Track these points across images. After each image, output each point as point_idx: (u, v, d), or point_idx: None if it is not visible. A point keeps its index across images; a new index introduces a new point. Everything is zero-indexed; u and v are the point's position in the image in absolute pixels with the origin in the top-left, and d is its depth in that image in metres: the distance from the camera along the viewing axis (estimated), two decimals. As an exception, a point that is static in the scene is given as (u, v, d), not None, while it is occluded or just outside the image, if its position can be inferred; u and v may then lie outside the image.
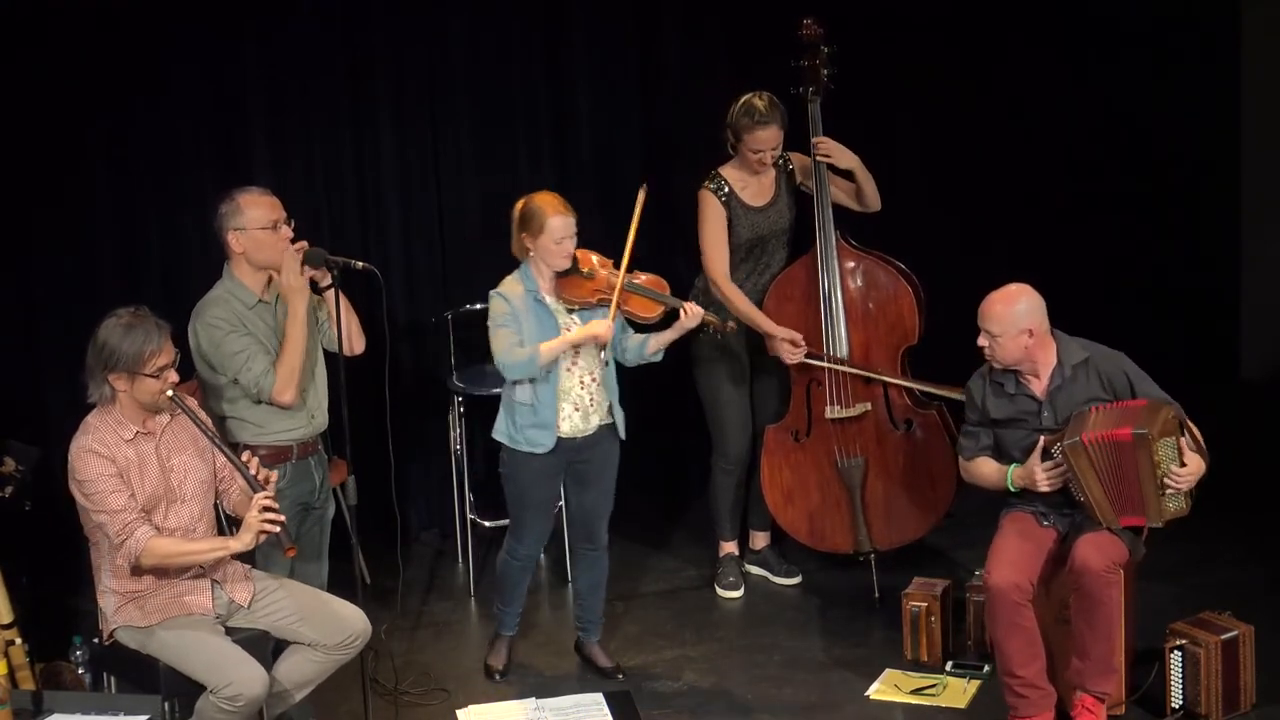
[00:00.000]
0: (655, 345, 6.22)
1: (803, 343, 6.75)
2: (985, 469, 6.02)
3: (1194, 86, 8.40)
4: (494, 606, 6.65)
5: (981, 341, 5.87)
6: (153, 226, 7.31)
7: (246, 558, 5.62)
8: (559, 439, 6.20)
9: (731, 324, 6.32)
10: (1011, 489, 5.96)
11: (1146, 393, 5.86)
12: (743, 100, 6.80)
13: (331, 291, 5.88)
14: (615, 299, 6.08)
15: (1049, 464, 5.80)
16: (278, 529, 5.29)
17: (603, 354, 6.15)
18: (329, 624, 5.53)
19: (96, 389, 5.33)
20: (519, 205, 6.16)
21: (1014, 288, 5.86)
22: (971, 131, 8.16)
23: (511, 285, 6.18)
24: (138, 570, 5.38)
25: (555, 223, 6.06)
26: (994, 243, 8.19)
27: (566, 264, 6.13)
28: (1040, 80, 8.22)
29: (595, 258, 6.21)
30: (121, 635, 5.45)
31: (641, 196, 6.14)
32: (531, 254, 6.14)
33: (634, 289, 6.15)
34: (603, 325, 6.06)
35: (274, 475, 5.48)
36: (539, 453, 6.18)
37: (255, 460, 5.47)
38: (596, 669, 6.54)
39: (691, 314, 6.13)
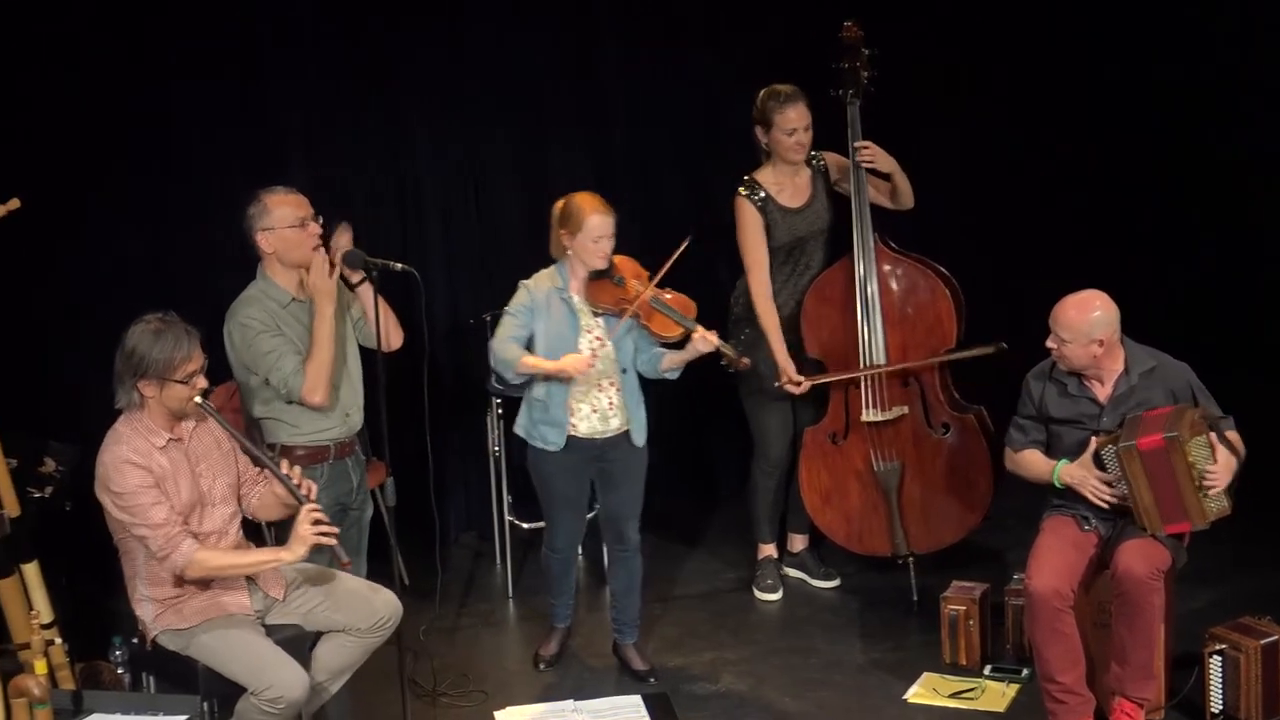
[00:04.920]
0: (668, 363, 6.23)
1: (802, 380, 6.78)
2: (1032, 460, 5.99)
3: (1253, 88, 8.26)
4: (545, 600, 6.69)
5: (1051, 344, 5.84)
6: (187, 228, 7.32)
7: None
8: (577, 439, 6.23)
9: (747, 360, 6.32)
10: (1057, 484, 5.92)
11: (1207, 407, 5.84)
12: (764, 91, 6.83)
13: (366, 287, 5.90)
14: (631, 310, 6.09)
15: (1105, 476, 5.79)
16: (334, 541, 5.28)
17: (619, 361, 6.17)
18: (360, 607, 5.52)
19: (125, 395, 5.29)
20: (559, 203, 6.18)
21: (1090, 295, 5.83)
22: (1015, 131, 8.16)
23: (540, 279, 6.21)
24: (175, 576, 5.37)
25: (594, 221, 6.08)
26: (1034, 245, 8.15)
27: (603, 264, 6.13)
28: (1092, 80, 8.17)
29: (632, 267, 6.22)
30: (163, 639, 5.44)
31: (683, 247, 6.12)
32: (569, 252, 6.15)
33: (658, 306, 6.14)
34: (578, 363, 6.06)
35: (315, 486, 5.45)
36: (550, 450, 6.20)
37: (296, 470, 5.43)
38: (632, 671, 6.55)
39: (704, 341, 6.11)
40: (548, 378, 6.16)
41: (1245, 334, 7.90)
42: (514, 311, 6.16)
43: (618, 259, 6.18)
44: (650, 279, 6.14)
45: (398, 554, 6.14)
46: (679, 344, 6.18)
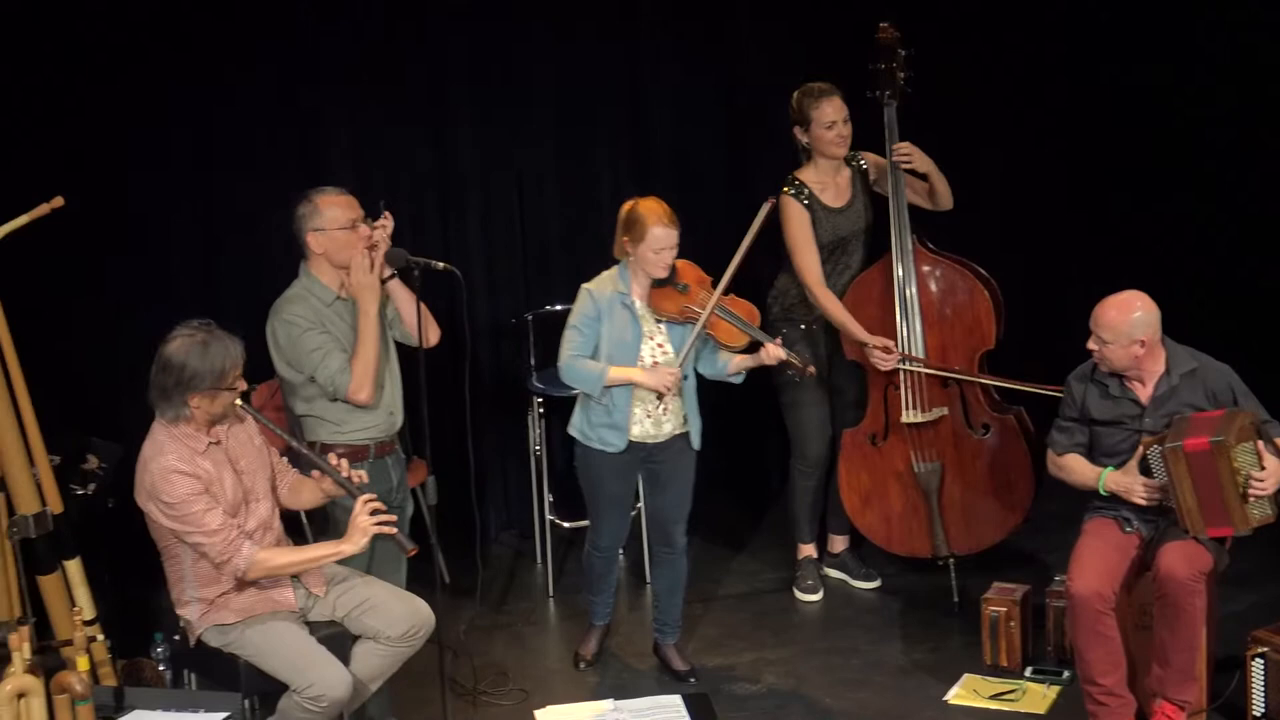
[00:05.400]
0: (734, 366, 6.22)
1: (895, 349, 6.74)
2: (1076, 465, 5.97)
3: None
4: (584, 598, 6.67)
5: (1092, 345, 5.83)
6: (231, 225, 7.33)
7: (297, 537, 5.70)
8: (632, 442, 6.20)
9: (812, 369, 6.31)
10: (1102, 492, 5.90)
11: (1249, 409, 5.81)
12: (797, 91, 6.83)
13: (396, 282, 5.88)
14: (701, 321, 6.07)
15: (1151, 481, 5.77)
16: (393, 530, 5.28)
17: (680, 366, 6.14)
18: (393, 614, 5.51)
19: (173, 410, 5.27)
20: (626, 207, 6.15)
21: (1130, 296, 5.81)
22: (1054, 130, 8.08)
23: (604, 283, 6.17)
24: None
25: (657, 233, 6.04)
26: (1072, 246, 8.12)
27: (663, 274, 6.11)
28: (1137, 77, 8.05)
29: (695, 274, 6.19)
30: (207, 636, 5.44)
31: (765, 210, 6.15)
32: (630, 258, 6.12)
33: (724, 315, 6.13)
34: (668, 379, 6.05)
35: (365, 475, 5.47)
36: (609, 451, 6.18)
37: (344, 462, 5.45)
38: (672, 671, 6.53)
39: (771, 354, 6.11)
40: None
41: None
42: (579, 324, 6.12)
43: (680, 264, 6.16)
44: (714, 287, 6.12)
45: (439, 552, 6.09)
46: (745, 350, 6.18)
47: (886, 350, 6.72)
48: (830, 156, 6.85)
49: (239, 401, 5.33)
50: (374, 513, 5.27)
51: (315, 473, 5.53)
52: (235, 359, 5.24)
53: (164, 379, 5.22)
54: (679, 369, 6.07)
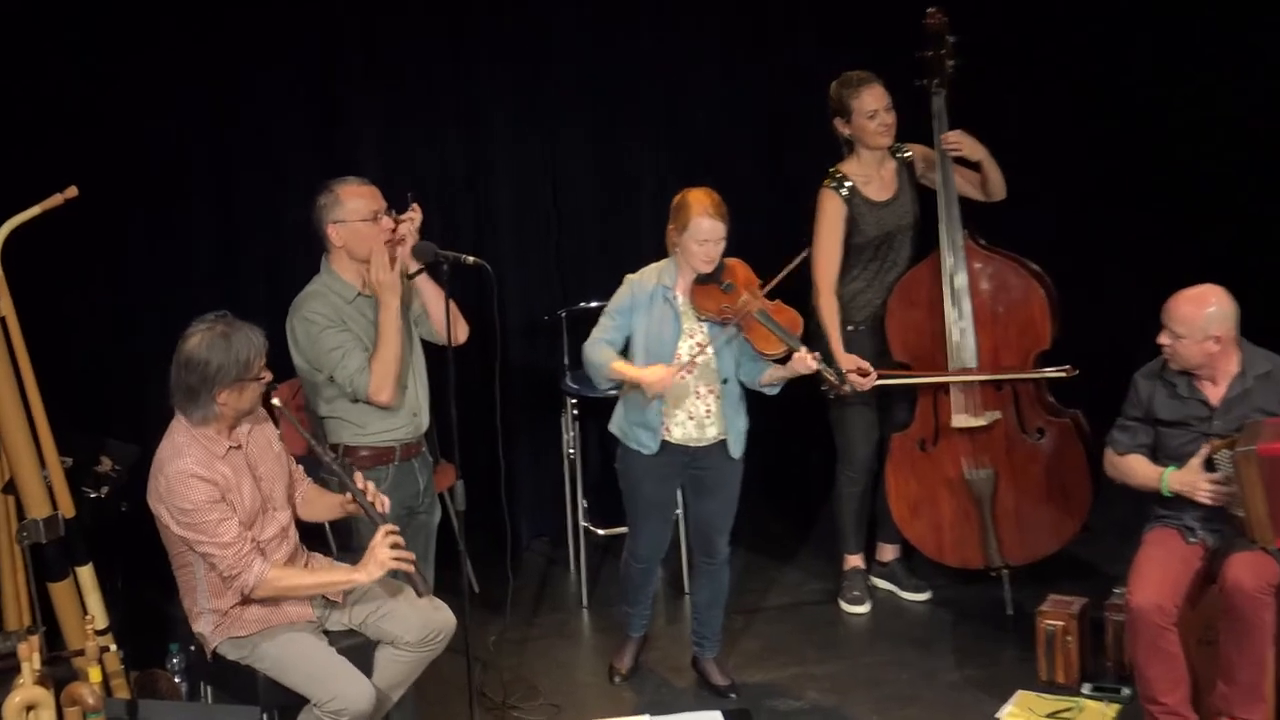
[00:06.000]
0: (768, 377, 6.13)
1: (871, 371, 6.61)
2: (1138, 466, 5.90)
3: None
4: (620, 608, 6.63)
5: (1163, 340, 5.76)
6: (253, 220, 7.31)
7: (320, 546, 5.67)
8: (671, 444, 6.14)
9: (848, 387, 6.20)
10: (1165, 493, 5.81)
11: None
12: (835, 81, 6.79)
13: (424, 278, 5.85)
14: (733, 320, 5.99)
15: (1216, 476, 5.68)
16: (410, 568, 5.26)
17: (719, 370, 6.07)
18: (412, 620, 5.47)
19: (201, 410, 5.20)
20: (678, 196, 6.08)
21: (1207, 290, 5.73)
22: (1115, 121, 7.99)
23: (648, 274, 6.11)
24: None
25: (702, 224, 5.94)
26: (1134, 243, 8.01)
27: (706, 268, 6.01)
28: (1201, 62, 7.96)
29: (745, 274, 6.10)
30: (223, 649, 5.40)
31: (800, 258, 6.09)
32: (677, 249, 6.04)
33: (762, 319, 6.02)
34: (658, 381, 5.94)
35: (388, 501, 5.46)
36: (645, 453, 6.13)
37: (371, 485, 5.42)
38: (711, 686, 6.48)
39: (803, 362, 5.98)
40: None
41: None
42: (611, 312, 6.08)
43: (731, 263, 6.08)
44: (760, 289, 6.04)
45: (467, 560, 6.09)
46: (782, 359, 6.09)
47: (861, 372, 6.60)
48: (874, 147, 6.80)
49: (276, 402, 5.31)
50: (394, 546, 5.25)
51: (322, 475, 5.55)
52: (258, 347, 5.20)
53: (188, 378, 5.16)
54: (674, 371, 5.98)
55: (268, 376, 5.25)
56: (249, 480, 5.30)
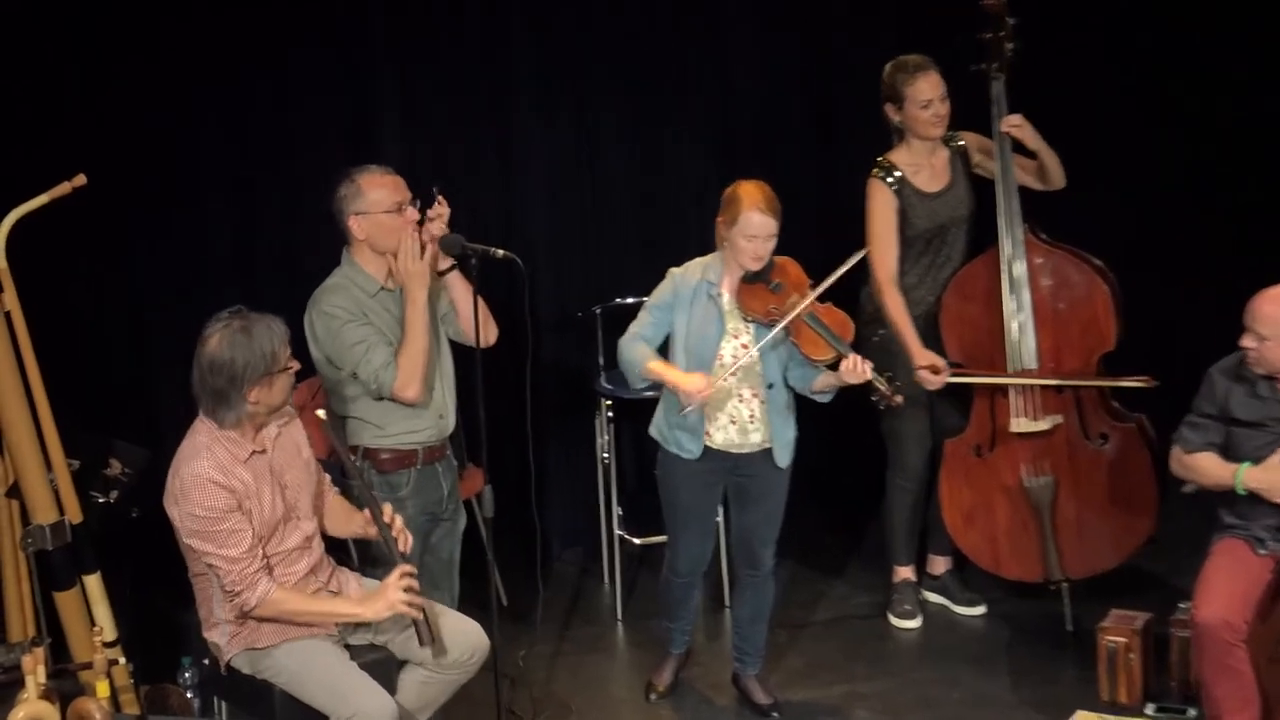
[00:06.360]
0: (820, 384, 5.95)
1: (945, 369, 6.51)
2: (1208, 464, 5.76)
3: None
4: (660, 623, 6.56)
5: (1248, 342, 5.62)
6: (270, 211, 7.24)
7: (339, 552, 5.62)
8: (713, 449, 6.00)
9: (900, 398, 6.01)
10: (1239, 491, 5.66)
11: None
12: (890, 65, 6.65)
13: (454, 275, 5.75)
14: (779, 327, 5.82)
15: None
16: (419, 615, 5.17)
17: (764, 374, 5.92)
18: (445, 639, 5.37)
19: (234, 412, 5.09)
20: (729, 188, 5.94)
21: None
22: (1182, 108, 7.85)
23: (693, 269, 5.96)
24: None
25: (752, 218, 5.78)
26: (1202, 236, 7.83)
27: (754, 266, 5.85)
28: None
29: (796, 273, 5.94)
30: (237, 661, 5.31)
31: (856, 258, 5.92)
32: (725, 243, 5.90)
33: (811, 322, 5.85)
34: (695, 389, 5.76)
35: (410, 539, 5.37)
36: (685, 457, 6.00)
37: (398, 519, 5.34)
38: (753, 705, 6.36)
39: (852, 371, 5.78)
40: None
41: None
42: (651, 306, 5.96)
43: (782, 261, 5.93)
44: (811, 290, 5.90)
45: (495, 571, 6.06)
46: (834, 365, 5.93)
47: (934, 370, 6.51)
48: (925, 138, 6.67)
49: (321, 414, 5.31)
50: (408, 589, 5.18)
51: (365, 512, 5.43)
52: (281, 335, 5.11)
53: (215, 381, 5.06)
54: (712, 378, 5.83)
55: (295, 365, 5.17)
56: (271, 487, 5.19)
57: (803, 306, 5.79)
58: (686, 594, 6.31)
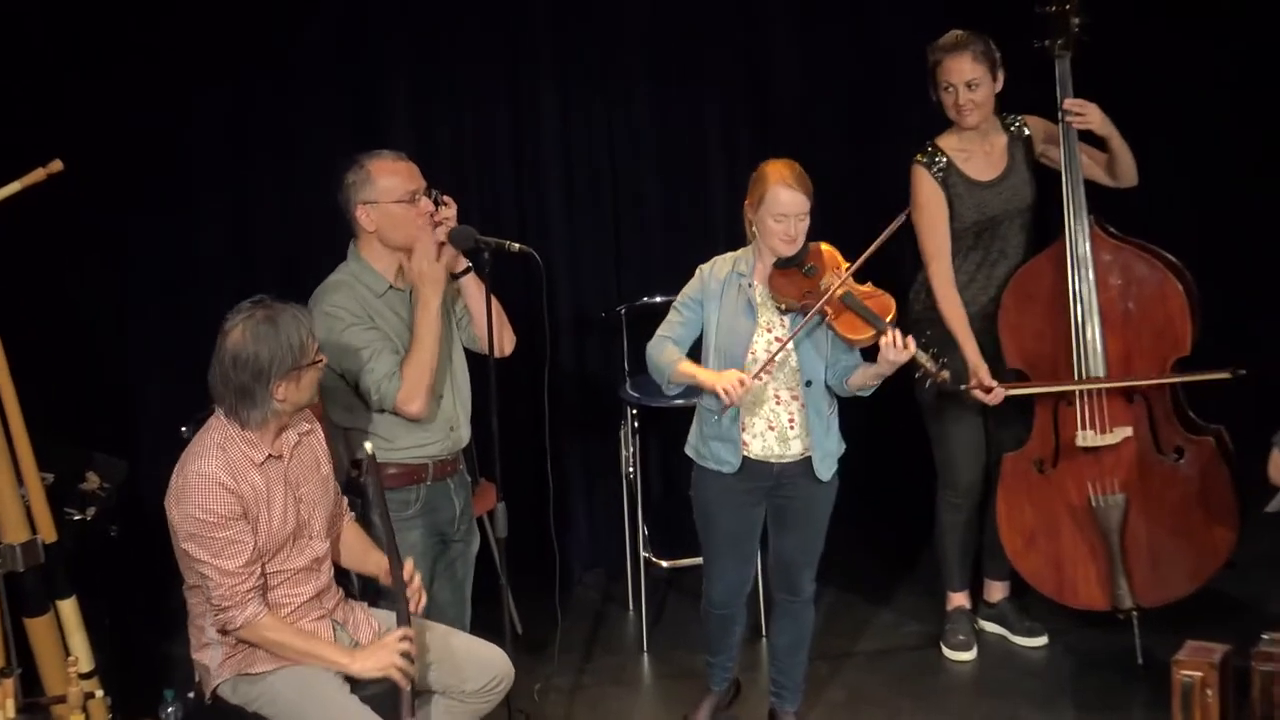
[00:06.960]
0: (858, 380, 5.70)
1: (997, 388, 6.29)
2: None
3: None
4: (700, 657, 6.35)
5: None
6: (268, 203, 7.09)
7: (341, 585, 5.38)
8: (750, 460, 5.79)
9: (947, 374, 5.77)
10: None
11: None
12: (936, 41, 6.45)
13: (470, 278, 5.57)
14: (816, 307, 5.56)
15: None
16: (406, 685, 5.01)
17: (802, 370, 5.72)
18: (462, 668, 5.25)
19: (260, 410, 4.93)
20: (756, 170, 5.77)
21: None
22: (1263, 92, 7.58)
23: (724, 261, 5.77)
24: None
25: (780, 195, 5.57)
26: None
27: (786, 250, 5.63)
28: None
29: (831, 257, 5.73)
30: (225, 690, 5.09)
31: (894, 225, 5.69)
32: (754, 229, 5.70)
33: (849, 302, 5.59)
34: (733, 377, 5.53)
35: (424, 601, 5.26)
36: (725, 471, 5.78)
37: (418, 578, 5.20)
38: None
39: (894, 348, 5.51)
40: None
41: None
42: (680, 303, 5.79)
43: (816, 246, 5.73)
44: (847, 270, 5.68)
45: (509, 596, 5.97)
46: (870, 354, 5.69)
47: (985, 390, 6.30)
48: (960, 125, 6.38)
49: (368, 447, 5.17)
50: (404, 654, 5.02)
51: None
52: (308, 326, 4.96)
53: (239, 377, 4.89)
54: (749, 375, 5.58)
55: (323, 360, 5.02)
56: (284, 497, 5.03)
57: (839, 284, 5.56)
58: (726, 626, 6.12)
